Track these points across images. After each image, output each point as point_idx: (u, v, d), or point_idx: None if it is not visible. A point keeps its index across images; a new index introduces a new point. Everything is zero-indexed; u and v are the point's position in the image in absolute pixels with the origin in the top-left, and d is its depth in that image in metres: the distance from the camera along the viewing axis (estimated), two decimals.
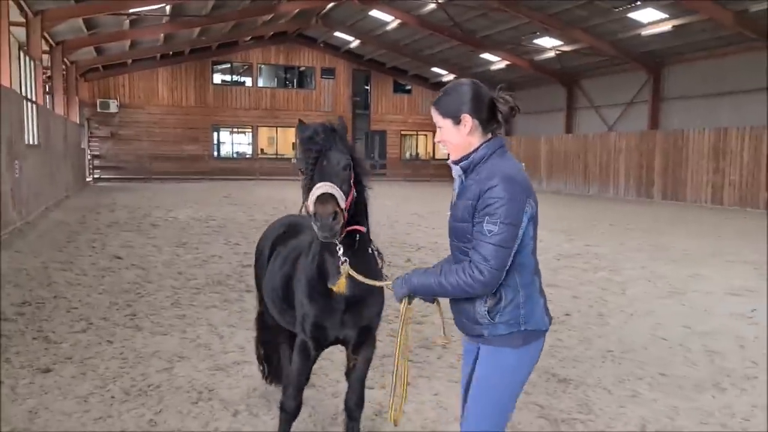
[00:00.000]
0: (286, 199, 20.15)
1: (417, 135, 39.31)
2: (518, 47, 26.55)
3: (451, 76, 34.89)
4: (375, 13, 27.05)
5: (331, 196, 2.62)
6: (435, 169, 36.43)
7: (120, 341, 5.57)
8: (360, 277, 2.77)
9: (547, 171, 29.63)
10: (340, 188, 2.69)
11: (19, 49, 16.99)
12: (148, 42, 28.38)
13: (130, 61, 31.19)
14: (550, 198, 24.28)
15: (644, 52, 23.44)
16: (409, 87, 38.27)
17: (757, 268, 9.46)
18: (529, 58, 27.68)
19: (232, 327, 6.05)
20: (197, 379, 4.67)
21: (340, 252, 2.80)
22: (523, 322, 2.42)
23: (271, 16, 28.39)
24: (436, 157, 37.70)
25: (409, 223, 14.85)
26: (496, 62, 29.46)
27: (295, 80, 37.07)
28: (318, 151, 2.75)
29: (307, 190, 2.72)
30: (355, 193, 2.86)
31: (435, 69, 34.27)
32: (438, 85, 37.09)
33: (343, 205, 2.66)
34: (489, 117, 2.44)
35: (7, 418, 3.91)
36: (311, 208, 2.64)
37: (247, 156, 35.94)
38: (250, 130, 35.84)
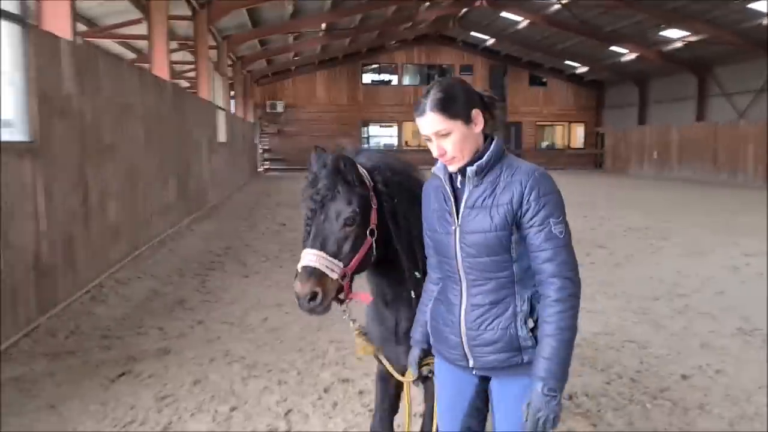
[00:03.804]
0: None
1: (553, 125, 40.91)
2: (645, 39, 27.50)
3: (584, 69, 36.15)
4: (505, 14, 29.38)
5: (312, 272, 2.24)
6: (569, 158, 38.24)
7: (287, 267, 9.12)
8: (363, 348, 2.60)
9: (678, 158, 30.14)
10: (340, 249, 2.31)
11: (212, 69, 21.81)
12: (308, 52, 33.05)
13: (293, 67, 36.29)
14: (677, 185, 25.51)
15: None
16: (544, 80, 39.88)
17: None
18: (657, 49, 28.42)
19: None
20: None
21: (348, 318, 2.53)
22: None
23: (410, 23, 31.76)
24: (572, 146, 39.82)
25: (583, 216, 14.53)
26: (626, 54, 30.43)
27: (436, 77, 40.11)
28: (316, 202, 2.34)
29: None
30: (374, 244, 2.38)
31: (568, 62, 35.65)
32: (573, 77, 38.55)
33: (335, 275, 2.27)
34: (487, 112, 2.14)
35: (232, 295, 7.49)
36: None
37: (393, 148, 39.71)
38: (395, 124, 39.62)
